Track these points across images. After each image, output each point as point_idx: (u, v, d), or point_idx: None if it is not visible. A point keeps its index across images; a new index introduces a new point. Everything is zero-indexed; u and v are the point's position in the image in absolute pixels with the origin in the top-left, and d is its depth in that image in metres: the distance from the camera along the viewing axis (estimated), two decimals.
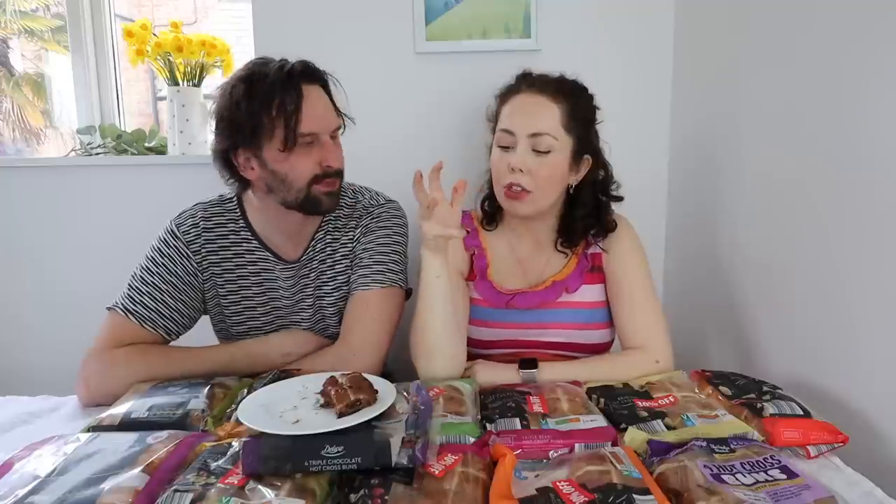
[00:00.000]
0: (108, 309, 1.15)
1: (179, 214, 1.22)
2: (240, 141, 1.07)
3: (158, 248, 1.19)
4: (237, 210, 1.21)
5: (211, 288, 1.21)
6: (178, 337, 1.19)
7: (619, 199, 1.24)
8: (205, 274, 1.19)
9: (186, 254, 1.18)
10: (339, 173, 1.14)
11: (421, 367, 1.09)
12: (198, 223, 1.19)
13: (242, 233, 1.20)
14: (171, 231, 1.19)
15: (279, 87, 1.04)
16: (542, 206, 1.16)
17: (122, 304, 1.14)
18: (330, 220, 1.22)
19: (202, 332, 1.25)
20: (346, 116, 1.16)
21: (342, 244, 1.21)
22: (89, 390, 1.07)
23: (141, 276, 1.16)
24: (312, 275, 1.21)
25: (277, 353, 1.13)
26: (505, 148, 1.14)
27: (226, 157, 1.11)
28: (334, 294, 1.21)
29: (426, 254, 1.05)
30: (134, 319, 1.13)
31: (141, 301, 1.14)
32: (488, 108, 1.24)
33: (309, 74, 1.09)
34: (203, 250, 1.19)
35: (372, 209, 1.22)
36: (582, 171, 1.19)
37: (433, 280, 1.06)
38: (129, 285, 1.16)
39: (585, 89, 1.19)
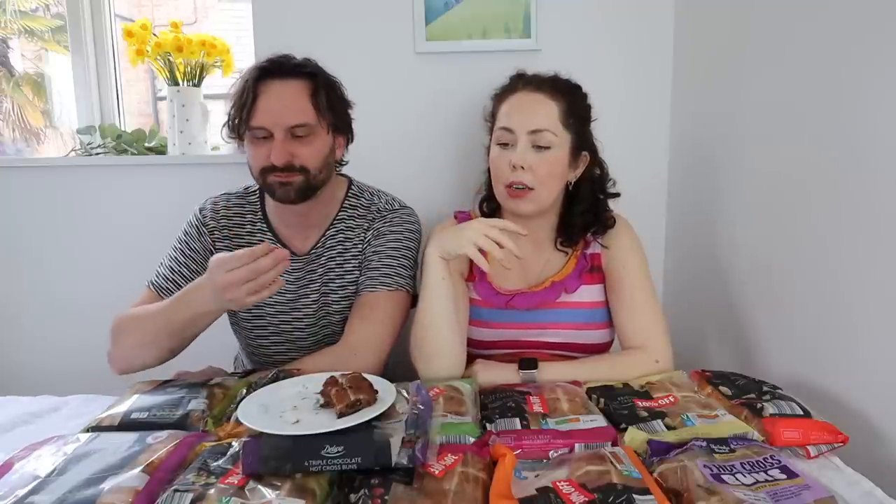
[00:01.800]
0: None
1: (206, 199, 1.28)
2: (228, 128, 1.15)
3: (184, 228, 1.25)
4: (258, 202, 1.25)
5: None
6: None
7: (616, 195, 1.24)
8: None
9: (204, 233, 1.23)
10: (296, 170, 1.10)
11: (421, 369, 1.09)
12: (219, 210, 1.25)
13: (259, 224, 1.24)
14: (195, 213, 1.26)
15: (249, 80, 1.10)
16: (543, 203, 1.16)
17: (150, 279, 1.21)
18: (343, 219, 1.23)
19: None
20: (339, 118, 1.16)
21: (353, 244, 1.22)
22: (113, 357, 1.11)
23: (167, 254, 1.23)
24: (320, 270, 1.22)
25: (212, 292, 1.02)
26: (504, 146, 1.15)
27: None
28: (340, 293, 1.21)
29: (435, 258, 1.06)
30: (153, 289, 1.19)
31: (163, 274, 1.21)
32: (485, 108, 1.24)
33: (279, 70, 1.11)
34: (217, 233, 1.23)
35: (386, 213, 1.23)
36: (580, 168, 1.20)
37: (438, 282, 1.06)
38: (159, 263, 1.23)
39: (580, 87, 1.20)
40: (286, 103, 1.10)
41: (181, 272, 1.20)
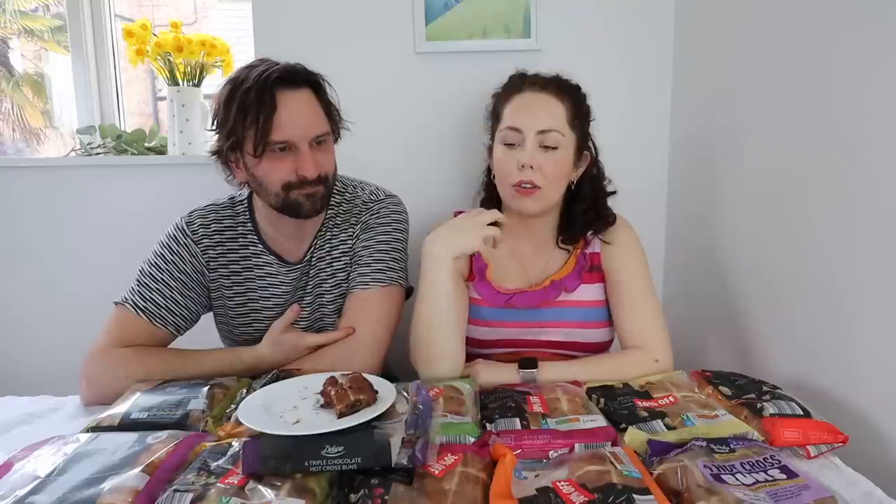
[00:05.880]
0: (116, 304, 1.15)
1: (191, 213, 1.22)
2: (225, 142, 1.08)
3: (168, 244, 1.19)
4: (247, 213, 1.22)
5: (217, 287, 1.21)
6: (184, 333, 1.19)
7: (613, 192, 1.25)
8: (212, 273, 1.20)
9: (195, 252, 1.18)
10: (321, 180, 1.09)
11: (422, 372, 1.08)
12: (208, 224, 1.20)
13: (249, 235, 1.21)
14: (182, 229, 1.19)
15: (254, 95, 1.03)
16: (549, 202, 1.17)
17: (132, 300, 1.14)
18: (330, 217, 1.21)
19: (198, 330, 1.25)
20: (340, 121, 1.15)
21: (341, 241, 1.21)
22: (89, 389, 1.08)
23: (150, 273, 1.17)
24: (313, 272, 1.21)
25: (274, 364, 1.10)
26: (510, 146, 1.14)
27: (220, 156, 1.12)
28: (333, 292, 1.21)
29: (444, 258, 1.05)
30: (144, 316, 1.13)
31: (151, 298, 1.14)
32: (487, 107, 1.24)
33: (292, 80, 1.07)
34: (211, 251, 1.19)
35: (371, 205, 1.22)
36: (582, 168, 1.20)
37: (444, 282, 1.05)
38: (139, 281, 1.16)
39: (580, 87, 1.20)
40: (308, 114, 1.08)
41: (173, 297, 1.15)
